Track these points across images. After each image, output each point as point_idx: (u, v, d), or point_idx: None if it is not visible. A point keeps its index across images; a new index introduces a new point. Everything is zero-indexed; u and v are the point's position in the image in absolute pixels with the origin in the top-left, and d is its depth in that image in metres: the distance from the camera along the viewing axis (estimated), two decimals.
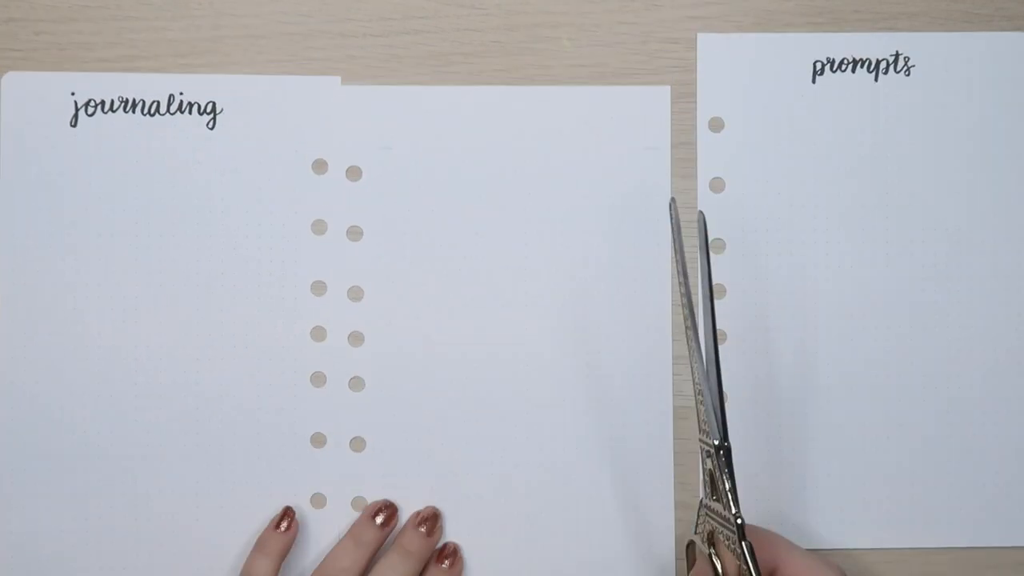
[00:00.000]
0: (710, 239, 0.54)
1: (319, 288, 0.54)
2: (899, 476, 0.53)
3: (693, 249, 0.53)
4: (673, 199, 0.50)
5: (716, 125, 0.54)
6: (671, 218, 0.49)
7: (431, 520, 0.53)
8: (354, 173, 0.54)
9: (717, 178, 0.54)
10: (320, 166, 0.55)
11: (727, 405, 0.53)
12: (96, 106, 0.54)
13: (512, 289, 0.54)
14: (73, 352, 0.53)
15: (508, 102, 0.54)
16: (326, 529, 0.54)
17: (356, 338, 0.54)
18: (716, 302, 0.54)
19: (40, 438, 0.53)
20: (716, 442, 0.46)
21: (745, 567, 0.45)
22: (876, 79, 0.54)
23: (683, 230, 0.53)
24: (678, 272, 0.48)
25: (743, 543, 0.45)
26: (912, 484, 0.53)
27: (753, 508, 0.53)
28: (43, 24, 0.54)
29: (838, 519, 0.53)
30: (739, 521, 0.45)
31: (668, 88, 0.54)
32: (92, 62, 0.54)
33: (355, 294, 0.54)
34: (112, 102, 0.54)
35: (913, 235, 0.54)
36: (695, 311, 0.48)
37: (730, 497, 0.46)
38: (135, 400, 0.53)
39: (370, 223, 0.54)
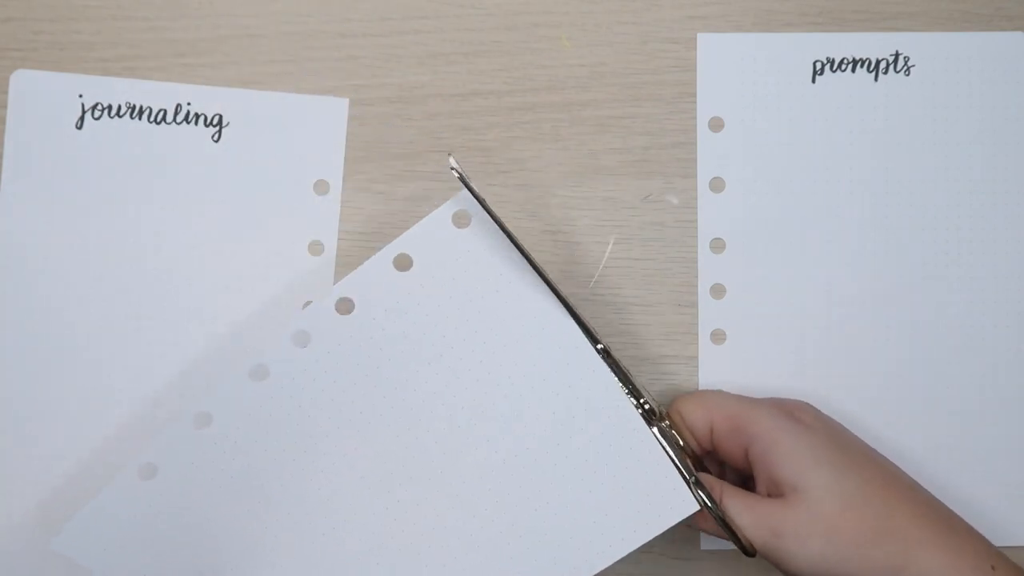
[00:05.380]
0: (710, 239, 0.54)
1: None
2: None
3: (692, 248, 0.54)
4: (450, 154, 0.48)
5: (716, 125, 0.54)
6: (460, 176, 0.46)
7: None
8: None
9: (717, 178, 0.54)
10: (322, 187, 0.54)
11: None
12: (103, 110, 0.54)
13: None
14: (68, 353, 0.53)
15: None
16: None
17: None
18: (716, 302, 0.54)
19: (29, 438, 0.53)
20: (600, 346, 0.48)
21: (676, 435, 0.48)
22: (876, 79, 0.54)
23: (683, 227, 0.54)
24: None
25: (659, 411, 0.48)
26: None
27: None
28: (42, 24, 0.54)
29: None
30: (644, 405, 0.47)
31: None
32: (92, 62, 0.54)
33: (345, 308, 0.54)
34: (119, 107, 0.54)
35: (913, 235, 0.54)
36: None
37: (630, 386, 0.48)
38: (129, 405, 0.53)
39: None
